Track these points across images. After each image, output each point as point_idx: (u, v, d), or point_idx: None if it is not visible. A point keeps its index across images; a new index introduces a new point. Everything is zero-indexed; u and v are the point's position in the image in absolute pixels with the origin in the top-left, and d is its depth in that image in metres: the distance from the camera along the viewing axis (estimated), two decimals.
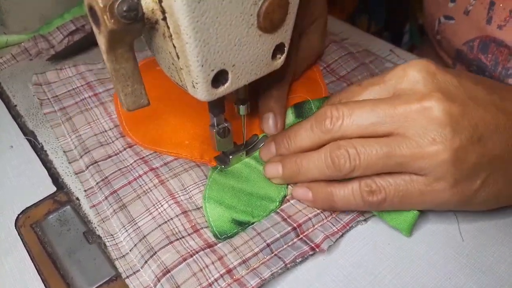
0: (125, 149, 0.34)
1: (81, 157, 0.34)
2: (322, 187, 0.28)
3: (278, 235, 0.28)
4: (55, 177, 0.34)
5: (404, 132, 0.25)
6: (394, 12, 0.79)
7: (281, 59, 0.29)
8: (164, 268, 0.26)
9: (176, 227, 0.29)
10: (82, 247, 0.29)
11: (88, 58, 0.44)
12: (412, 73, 0.27)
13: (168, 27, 0.23)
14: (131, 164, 0.33)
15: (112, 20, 0.21)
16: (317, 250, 0.27)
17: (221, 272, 0.26)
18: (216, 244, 0.28)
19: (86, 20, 0.48)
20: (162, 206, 0.30)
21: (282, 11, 0.26)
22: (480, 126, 0.25)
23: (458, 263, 0.27)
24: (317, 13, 0.38)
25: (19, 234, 0.30)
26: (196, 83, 0.25)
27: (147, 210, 0.30)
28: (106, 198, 0.31)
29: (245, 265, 0.27)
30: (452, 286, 0.26)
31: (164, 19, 0.23)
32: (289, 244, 0.28)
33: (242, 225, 0.29)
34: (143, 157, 0.33)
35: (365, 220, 0.29)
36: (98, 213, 0.30)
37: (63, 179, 0.33)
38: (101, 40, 0.23)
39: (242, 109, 0.31)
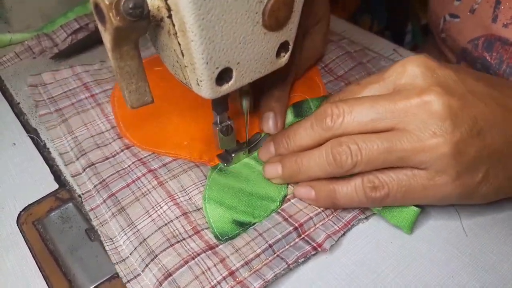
0: (122, 150, 0.34)
1: (77, 159, 0.34)
2: (324, 185, 0.28)
3: (279, 236, 0.28)
4: (57, 174, 0.34)
5: (404, 127, 0.26)
6: (395, 11, 0.79)
7: (285, 57, 0.29)
8: (166, 272, 0.26)
9: (177, 229, 0.29)
10: (84, 245, 0.29)
11: (91, 57, 0.45)
12: (411, 68, 0.27)
13: (174, 25, 0.23)
14: (129, 166, 0.33)
15: (118, 18, 0.21)
16: (319, 249, 0.27)
17: (223, 275, 0.26)
18: (217, 246, 0.28)
19: (89, 19, 0.48)
20: (161, 208, 0.30)
21: (287, 9, 0.26)
22: (479, 119, 0.25)
23: (461, 262, 0.27)
24: (321, 13, 0.38)
25: (21, 231, 0.30)
26: (201, 81, 0.25)
27: (146, 212, 0.30)
28: (104, 201, 0.31)
29: (248, 267, 0.26)
30: (454, 285, 0.26)
31: (170, 16, 0.23)
32: (291, 244, 0.28)
33: (243, 225, 0.29)
34: (141, 159, 0.33)
35: (366, 218, 0.29)
36: (97, 216, 0.30)
37: (65, 176, 0.33)
38: (106, 37, 0.23)
39: (246, 103, 0.31)
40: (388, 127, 0.26)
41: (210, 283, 0.26)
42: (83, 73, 0.41)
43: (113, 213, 0.30)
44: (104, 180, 0.32)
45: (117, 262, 0.27)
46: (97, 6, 0.22)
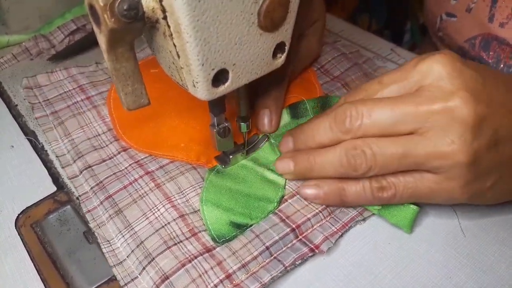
0: (119, 152, 0.34)
1: (74, 161, 0.34)
2: (333, 184, 0.28)
3: (277, 237, 0.28)
4: (55, 177, 0.34)
5: (423, 132, 0.25)
6: (395, 11, 0.79)
7: (281, 58, 0.29)
8: (163, 275, 0.26)
9: (174, 231, 0.28)
10: (82, 247, 0.29)
11: (89, 58, 0.44)
12: (437, 68, 0.25)
13: (169, 26, 0.23)
14: (126, 168, 0.33)
15: (113, 19, 0.21)
16: (316, 251, 0.27)
17: (220, 278, 0.26)
18: (214, 248, 0.28)
19: (87, 20, 0.48)
20: (159, 210, 0.30)
21: (282, 9, 0.26)
22: (500, 130, 0.25)
23: (459, 263, 0.27)
24: (316, 15, 0.38)
25: (19, 234, 0.30)
26: (197, 82, 0.25)
27: (143, 214, 0.30)
28: (101, 203, 0.31)
29: (245, 269, 0.26)
30: (452, 286, 0.26)
31: (165, 18, 0.23)
32: (289, 246, 0.28)
33: (241, 227, 0.28)
34: (138, 161, 0.33)
35: (364, 219, 0.29)
36: (94, 218, 0.30)
37: (63, 179, 0.33)
38: (102, 39, 0.23)
39: (244, 127, 0.31)
40: (407, 131, 0.25)
41: (207, 286, 0.26)
42: (79, 75, 0.41)
43: (110, 215, 0.30)
44: (101, 182, 0.32)
45: (114, 265, 0.27)
46: (92, 8, 0.22)
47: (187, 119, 0.36)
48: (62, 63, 0.44)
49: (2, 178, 0.34)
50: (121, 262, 0.28)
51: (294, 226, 0.28)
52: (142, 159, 0.33)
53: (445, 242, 0.28)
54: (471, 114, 0.24)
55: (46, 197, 0.32)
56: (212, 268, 0.26)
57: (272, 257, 0.27)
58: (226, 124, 0.30)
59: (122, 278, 0.27)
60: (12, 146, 0.36)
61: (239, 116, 0.32)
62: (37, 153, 0.36)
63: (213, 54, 0.24)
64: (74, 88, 0.40)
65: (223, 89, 0.26)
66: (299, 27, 0.35)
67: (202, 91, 0.26)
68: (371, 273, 0.27)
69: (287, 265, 0.26)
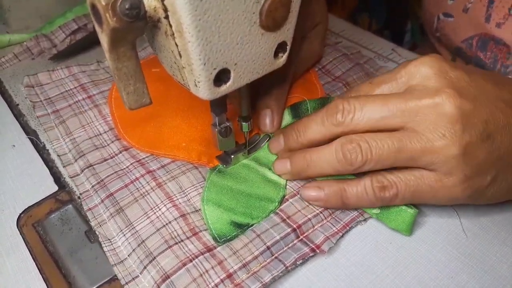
0: (120, 152, 0.34)
1: (75, 160, 0.34)
2: (334, 185, 0.28)
3: (278, 237, 0.28)
4: (57, 176, 0.34)
5: (414, 127, 0.26)
6: (394, 11, 0.79)
7: (283, 58, 0.29)
8: (164, 274, 0.26)
9: (175, 230, 0.28)
10: (83, 246, 0.29)
11: (90, 58, 0.44)
12: (424, 69, 0.27)
13: (171, 26, 0.23)
14: (127, 167, 0.33)
15: (115, 19, 0.21)
16: (317, 251, 0.27)
17: (221, 277, 0.26)
18: (215, 248, 0.28)
19: (88, 19, 0.48)
20: (160, 209, 0.30)
21: (284, 9, 0.26)
22: (490, 123, 0.25)
23: (461, 262, 0.27)
24: (318, 18, 0.39)
25: (21, 233, 0.30)
26: (198, 82, 0.25)
27: (145, 214, 0.30)
28: (102, 201, 0.31)
29: (246, 269, 0.26)
30: (454, 285, 0.26)
31: (167, 17, 0.23)
32: (289, 246, 0.27)
33: (242, 227, 0.28)
34: (140, 160, 0.33)
35: (365, 220, 0.29)
36: (95, 216, 0.30)
37: (64, 178, 0.33)
38: (104, 38, 0.23)
39: (245, 126, 0.31)
40: (398, 126, 0.26)
41: (207, 285, 0.26)
42: (80, 73, 0.41)
43: (111, 214, 0.30)
44: (102, 180, 0.32)
45: (115, 264, 0.27)
46: (93, 7, 0.22)
47: (188, 118, 0.36)
48: (63, 62, 0.44)
49: (4, 177, 0.34)
50: (122, 261, 0.28)
51: (295, 226, 0.28)
52: (143, 158, 0.33)
53: (447, 242, 0.28)
54: (457, 107, 0.25)
55: (48, 196, 0.32)
56: (213, 267, 0.26)
57: (273, 257, 0.27)
58: (228, 124, 0.30)
59: (123, 277, 0.27)
60: (14, 146, 0.37)
61: (240, 116, 0.32)
62: (38, 152, 0.36)
63: (214, 53, 0.24)
64: (75, 87, 0.40)
65: (225, 88, 0.26)
66: (301, 30, 0.35)
67: (204, 90, 0.26)
68: (373, 272, 0.27)
69: (288, 265, 0.26)
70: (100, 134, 0.36)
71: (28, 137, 0.37)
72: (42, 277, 0.28)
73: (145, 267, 0.27)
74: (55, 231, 0.30)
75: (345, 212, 0.29)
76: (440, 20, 0.43)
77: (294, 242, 0.28)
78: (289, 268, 0.26)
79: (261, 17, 0.25)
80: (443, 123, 0.25)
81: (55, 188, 0.33)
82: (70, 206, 0.32)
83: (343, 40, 0.46)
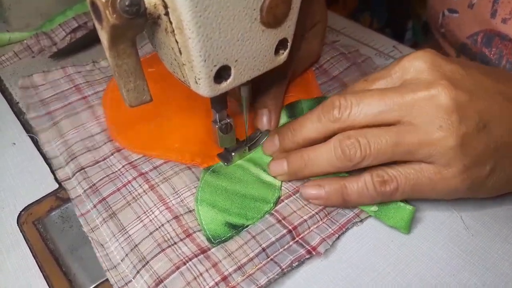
0: (112, 153, 0.33)
1: (67, 163, 0.33)
2: (334, 182, 0.28)
3: (273, 239, 0.27)
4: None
5: (411, 120, 0.26)
6: (395, 11, 0.79)
7: (284, 55, 0.28)
8: (157, 278, 0.26)
9: (168, 233, 0.28)
10: (84, 244, 0.29)
11: (90, 56, 0.44)
12: (418, 63, 0.27)
13: (171, 22, 0.23)
14: (119, 170, 0.32)
15: (114, 15, 0.21)
16: (313, 253, 0.27)
17: (216, 280, 0.26)
18: (209, 249, 0.27)
19: (88, 17, 0.48)
20: (153, 213, 0.29)
21: (285, 5, 0.26)
22: (485, 113, 0.25)
23: (462, 260, 0.27)
24: (318, 17, 0.38)
25: (21, 231, 0.30)
26: (199, 79, 0.25)
27: (138, 217, 0.29)
28: (94, 206, 0.30)
29: (241, 271, 0.26)
30: (456, 283, 0.26)
31: (167, 14, 0.23)
32: (285, 247, 0.27)
33: (236, 228, 0.28)
34: (132, 162, 0.33)
35: (361, 221, 0.29)
36: (87, 222, 0.29)
37: None
38: (103, 35, 0.23)
39: (244, 90, 0.30)
40: (395, 120, 0.26)
41: None
42: (75, 74, 0.41)
43: (104, 219, 0.29)
44: (94, 185, 0.31)
45: (108, 269, 0.27)
46: (93, 4, 0.22)
47: (182, 119, 0.35)
48: (63, 60, 0.44)
49: (4, 175, 0.34)
50: (115, 266, 0.27)
51: (290, 227, 0.28)
52: (135, 160, 0.33)
53: (448, 239, 0.28)
54: (452, 99, 0.25)
55: (48, 194, 0.32)
56: (207, 270, 0.26)
57: (268, 259, 0.26)
58: (228, 120, 0.30)
59: (115, 282, 0.26)
60: (14, 143, 0.36)
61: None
62: (38, 150, 0.36)
63: (215, 50, 0.24)
64: (70, 88, 0.39)
65: (226, 85, 0.26)
66: (300, 29, 0.35)
67: (204, 87, 0.25)
68: (374, 270, 0.27)
69: (283, 267, 0.26)
70: (93, 135, 0.35)
71: (29, 135, 0.37)
72: (43, 274, 0.28)
73: (138, 272, 0.26)
74: (55, 228, 0.30)
75: (341, 213, 0.29)
76: (445, 16, 0.43)
77: (290, 243, 0.27)
78: (285, 270, 0.26)
79: (261, 13, 0.25)
80: (439, 115, 0.25)
81: (56, 185, 0.33)
82: (71, 203, 0.32)
83: (341, 38, 0.45)
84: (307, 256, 0.27)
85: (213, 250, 0.27)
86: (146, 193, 0.30)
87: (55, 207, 0.31)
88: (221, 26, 0.24)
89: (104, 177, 0.32)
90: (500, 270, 0.26)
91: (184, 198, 0.30)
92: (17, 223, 0.31)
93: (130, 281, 0.26)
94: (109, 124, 0.36)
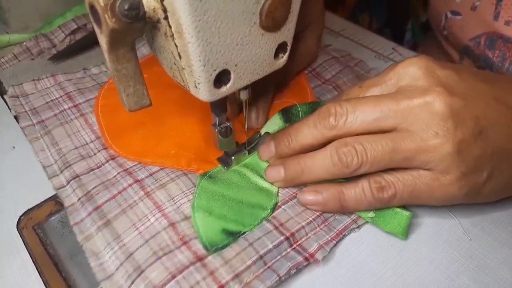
0: (107, 161, 0.33)
1: (61, 172, 0.33)
2: (332, 188, 0.28)
3: (271, 246, 0.27)
4: None
5: (407, 127, 0.26)
6: (395, 11, 0.79)
7: (283, 58, 0.28)
8: None
9: (164, 240, 0.27)
10: (84, 250, 0.29)
11: (90, 57, 0.44)
12: (412, 70, 0.27)
13: (170, 26, 0.23)
14: (114, 177, 0.32)
15: (114, 19, 0.21)
16: (311, 260, 0.26)
17: None
18: (206, 257, 0.26)
19: (88, 19, 0.48)
20: (149, 220, 0.29)
21: (284, 9, 0.25)
22: (481, 119, 0.25)
23: (461, 265, 0.27)
24: (312, 16, 0.38)
25: (21, 236, 0.30)
26: (198, 83, 0.25)
27: (133, 225, 0.28)
28: (89, 214, 0.29)
29: (238, 280, 0.25)
30: None
31: (166, 18, 0.23)
32: (283, 254, 0.27)
33: (233, 235, 0.28)
34: (127, 169, 0.32)
35: (358, 227, 0.29)
36: (82, 231, 0.29)
37: None
38: (103, 39, 0.23)
39: (243, 94, 0.29)
40: (391, 126, 0.26)
41: None
42: (66, 82, 0.40)
43: (98, 227, 0.29)
44: (89, 192, 0.31)
45: (102, 280, 0.26)
46: (92, 8, 0.22)
47: (177, 125, 0.35)
48: (63, 62, 0.44)
49: (4, 179, 0.34)
50: (109, 276, 0.26)
51: (288, 234, 0.28)
52: (131, 167, 0.32)
53: (448, 244, 0.28)
54: (447, 105, 0.25)
55: (48, 199, 0.32)
56: (204, 279, 0.25)
57: (266, 267, 0.26)
58: (228, 124, 0.30)
59: None
60: (14, 147, 0.36)
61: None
62: None
63: (214, 54, 0.24)
64: (61, 96, 0.39)
65: (225, 90, 0.26)
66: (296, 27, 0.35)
67: (204, 92, 0.25)
68: (374, 275, 0.27)
69: (281, 275, 0.26)
70: (87, 143, 0.35)
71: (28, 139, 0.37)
72: (42, 280, 0.28)
73: (133, 282, 0.26)
74: (55, 233, 0.30)
75: (339, 219, 0.29)
76: (448, 18, 0.43)
77: (288, 250, 0.27)
78: (283, 278, 0.26)
79: (261, 17, 0.25)
80: (435, 122, 0.25)
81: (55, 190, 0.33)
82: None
83: (335, 42, 0.45)
84: (305, 263, 0.26)
85: (210, 258, 0.27)
86: (142, 200, 0.30)
87: (54, 212, 0.31)
88: (221, 30, 0.23)
89: (99, 185, 0.31)
90: (499, 275, 0.26)
91: (181, 205, 0.30)
92: (17, 227, 0.31)
93: None
94: (103, 132, 0.35)
